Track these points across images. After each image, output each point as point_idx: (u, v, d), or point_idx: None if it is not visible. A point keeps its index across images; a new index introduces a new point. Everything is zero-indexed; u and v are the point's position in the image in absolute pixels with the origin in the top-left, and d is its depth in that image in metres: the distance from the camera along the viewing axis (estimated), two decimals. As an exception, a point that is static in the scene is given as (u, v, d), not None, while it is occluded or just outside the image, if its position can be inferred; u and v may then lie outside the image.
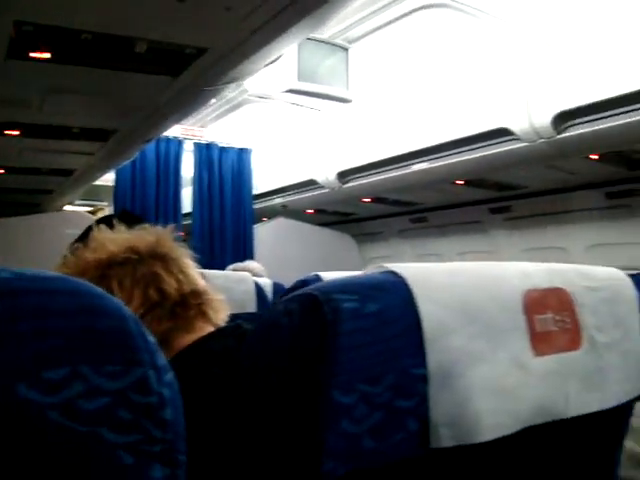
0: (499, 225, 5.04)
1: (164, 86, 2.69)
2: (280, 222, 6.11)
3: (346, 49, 3.96)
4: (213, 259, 5.49)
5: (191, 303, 1.15)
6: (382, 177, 4.48)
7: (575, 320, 0.70)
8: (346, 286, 0.56)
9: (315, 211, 6.00)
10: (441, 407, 0.56)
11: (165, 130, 3.92)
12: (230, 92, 4.65)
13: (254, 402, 0.57)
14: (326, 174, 4.96)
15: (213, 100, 4.67)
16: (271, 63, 2.73)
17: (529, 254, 4.87)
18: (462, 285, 0.62)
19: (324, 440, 0.52)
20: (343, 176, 4.85)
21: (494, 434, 0.59)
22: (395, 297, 0.57)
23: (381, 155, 4.31)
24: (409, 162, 4.13)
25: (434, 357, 0.56)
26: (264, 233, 6.05)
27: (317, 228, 6.20)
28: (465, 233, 5.39)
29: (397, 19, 3.57)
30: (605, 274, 0.79)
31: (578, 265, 0.77)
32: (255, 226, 6.07)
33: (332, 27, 3.75)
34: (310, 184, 5.27)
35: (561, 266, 0.74)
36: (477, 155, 3.68)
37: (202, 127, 5.91)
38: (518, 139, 3.42)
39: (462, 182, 4.29)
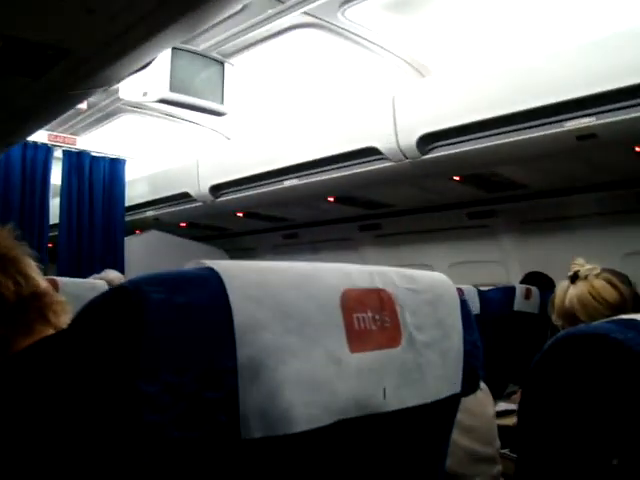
0: (369, 242, 5.18)
1: (24, 88, 2.58)
2: (152, 235, 6.00)
3: (222, 62, 3.95)
4: (80, 270, 5.29)
5: (31, 306, 1.11)
6: (255, 192, 4.50)
7: (395, 319, 0.73)
8: (156, 279, 0.56)
9: (188, 224, 5.93)
10: (251, 399, 0.57)
11: (28, 135, 3.76)
12: (103, 100, 4.52)
13: (72, 390, 0.56)
14: (199, 187, 4.92)
15: (84, 107, 4.53)
16: (140, 70, 2.69)
17: (397, 271, 5.02)
18: (277, 283, 0.63)
19: (127, 428, 0.52)
20: (216, 190, 4.83)
21: (306, 425, 0.61)
22: (206, 290, 0.58)
23: (254, 170, 4.32)
24: (281, 178, 4.17)
25: (244, 351, 0.57)
26: (136, 245, 5.91)
27: (190, 242, 6.13)
28: (336, 249, 5.50)
29: (272, 36, 3.61)
30: (429, 278, 0.82)
31: (403, 269, 0.81)
32: (126, 238, 5.91)
33: (208, 40, 3.75)
34: (183, 197, 5.21)
35: (385, 269, 0.77)
36: (347, 173, 3.77)
37: (74, 135, 5.70)
38: (386, 159, 3.53)
39: (332, 199, 4.37)
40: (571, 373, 0.95)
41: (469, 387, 0.86)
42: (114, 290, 0.56)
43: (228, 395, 0.56)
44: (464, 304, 0.85)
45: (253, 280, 0.61)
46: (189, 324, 0.55)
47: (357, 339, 0.68)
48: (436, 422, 0.85)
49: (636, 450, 0.92)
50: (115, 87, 3.54)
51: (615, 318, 1.01)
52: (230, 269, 0.61)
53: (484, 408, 1.51)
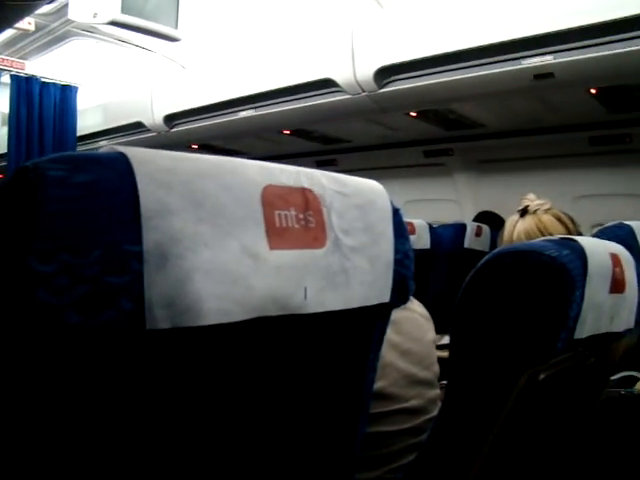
0: (325, 178, 5.16)
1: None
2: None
3: (177, -16, 3.81)
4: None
5: None
6: (210, 123, 4.40)
7: (321, 220, 0.71)
8: (60, 157, 0.53)
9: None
10: (157, 287, 0.54)
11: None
12: (52, 22, 4.34)
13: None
14: (153, 117, 4.80)
15: (32, 28, 4.35)
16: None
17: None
18: (190, 170, 0.59)
19: (22, 310, 0.49)
20: (170, 120, 4.71)
21: (217, 319, 0.58)
22: (111, 171, 0.54)
23: (209, 100, 4.22)
24: (236, 109, 4.08)
25: (151, 236, 0.54)
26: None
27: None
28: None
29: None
30: (361, 183, 0.80)
31: (333, 173, 0.78)
32: (77, 169, 5.76)
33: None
34: (137, 127, 5.08)
35: (312, 170, 0.74)
36: (303, 105, 3.71)
37: (23, 60, 5.48)
38: (343, 91, 3.48)
39: (288, 132, 4.31)
40: (503, 290, 0.95)
41: (399, 297, 0.84)
42: (15, 170, 0.53)
43: (133, 281, 0.54)
44: (397, 213, 0.83)
45: (164, 166, 0.58)
46: (91, 203, 0.52)
47: (277, 236, 0.65)
48: (362, 331, 0.84)
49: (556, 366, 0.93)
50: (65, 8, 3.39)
51: (551, 237, 1.01)
52: (140, 153, 0.57)
53: (424, 333, 1.52)
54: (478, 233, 3.61)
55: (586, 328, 1.00)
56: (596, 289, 1.00)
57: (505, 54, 2.92)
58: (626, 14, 2.56)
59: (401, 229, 0.84)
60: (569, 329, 0.94)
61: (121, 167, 0.55)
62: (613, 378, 1.65)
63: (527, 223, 2.14)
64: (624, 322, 1.18)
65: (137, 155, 0.57)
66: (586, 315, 0.98)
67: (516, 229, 2.16)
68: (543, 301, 0.92)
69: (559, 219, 2.13)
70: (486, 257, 0.98)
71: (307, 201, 0.70)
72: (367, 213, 0.78)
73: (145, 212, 0.54)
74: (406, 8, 3.26)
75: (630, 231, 2.23)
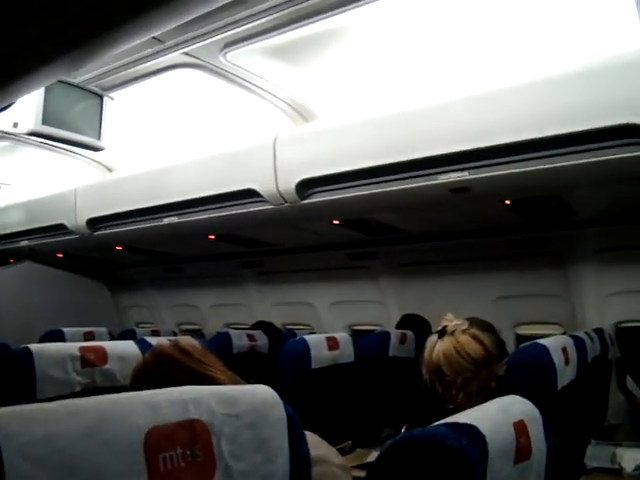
0: (252, 279, 5.15)
1: None
2: (27, 267, 5.72)
3: (100, 96, 3.82)
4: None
5: None
6: (134, 227, 4.36)
7: (209, 452, 0.70)
8: None
9: (65, 256, 5.69)
10: None
11: None
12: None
13: None
14: (76, 220, 4.73)
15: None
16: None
17: (279, 308, 5.02)
18: (64, 434, 0.57)
19: None
20: (94, 223, 4.65)
21: None
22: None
23: (133, 205, 4.20)
24: (160, 215, 4.07)
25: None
26: (7, 278, 5.62)
27: (68, 275, 5.90)
28: (220, 285, 5.43)
29: (153, 73, 3.52)
30: (252, 398, 0.79)
31: (223, 389, 0.77)
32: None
33: (85, 73, 3.62)
34: (60, 228, 4.98)
35: (201, 393, 0.73)
36: (227, 213, 3.72)
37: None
38: (266, 201, 3.52)
39: (213, 237, 4.31)
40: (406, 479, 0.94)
41: (297, 505, 0.83)
42: None
43: None
44: (292, 419, 0.82)
45: (37, 435, 0.56)
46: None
47: (161, 483, 0.63)
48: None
49: None
50: (-15, 114, 3.35)
51: (452, 422, 1.01)
52: (13, 424, 0.55)
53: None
54: (402, 340, 3.63)
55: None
56: (499, 469, 1.01)
57: (422, 169, 3.02)
58: (529, 137, 2.71)
59: (297, 436, 0.83)
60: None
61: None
62: None
63: (445, 344, 2.17)
64: None
65: (7, 428, 0.55)
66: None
67: (435, 350, 2.19)
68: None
69: (476, 338, 2.17)
70: (390, 442, 0.98)
71: (195, 434, 0.69)
72: (260, 430, 0.77)
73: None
74: (327, 123, 3.37)
75: (544, 350, 2.30)
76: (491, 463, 0.98)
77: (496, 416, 1.11)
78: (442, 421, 1.02)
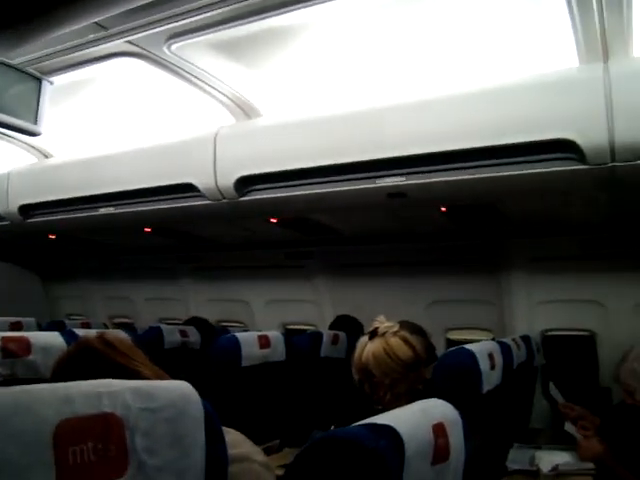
0: (188, 274, 5.10)
1: None
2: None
3: (39, 79, 3.72)
4: None
5: None
6: (68, 216, 4.26)
7: (122, 446, 0.69)
8: None
9: (-6, 243, 5.53)
10: None
11: None
12: None
13: None
14: (8, 205, 4.59)
15: None
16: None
17: (214, 305, 4.99)
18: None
19: None
20: (26, 210, 4.52)
21: None
22: None
23: (68, 194, 4.11)
24: (96, 205, 3.99)
25: None
26: None
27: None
28: (155, 279, 5.36)
29: (95, 60, 3.45)
30: (171, 393, 0.78)
31: (140, 383, 0.76)
32: None
33: (24, 55, 3.52)
34: (-11, 214, 4.83)
35: (117, 386, 0.72)
36: (164, 206, 3.68)
37: None
38: (203, 196, 3.49)
39: (149, 230, 4.25)
40: (324, 479, 0.95)
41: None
42: None
43: None
44: (209, 416, 0.82)
45: None
46: None
47: (69, 477, 0.62)
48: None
49: None
50: None
51: (370, 423, 1.03)
52: None
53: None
54: (335, 341, 3.65)
55: (406, 509, 1.02)
56: (416, 470, 1.03)
57: (361, 173, 3.05)
58: (466, 146, 2.77)
59: (215, 433, 0.83)
60: (387, 516, 0.96)
61: None
62: None
63: (375, 346, 2.19)
64: None
65: None
66: (405, 497, 1.00)
67: (365, 351, 2.21)
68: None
69: (406, 341, 2.20)
70: (309, 442, 0.99)
71: (108, 427, 0.68)
72: (177, 426, 0.76)
73: None
74: (268, 121, 3.36)
75: (471, 355, 2.35)
76: (408, 464, 0.99)
77: (416, 418, 1.13)
78: (362, 422, 1.03)
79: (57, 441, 0.62)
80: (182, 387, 0.81)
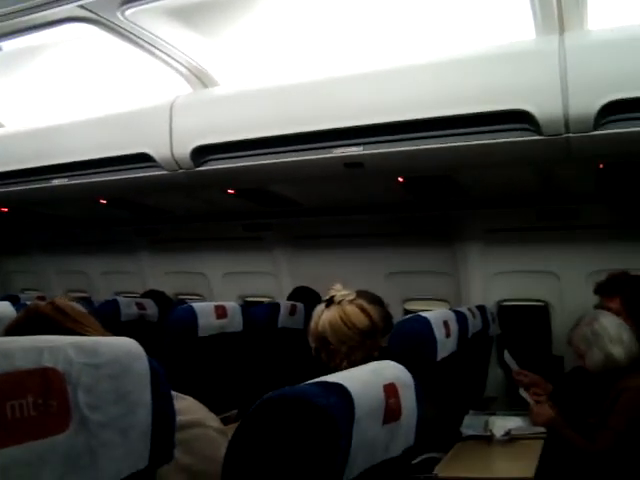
0: (145, 247, 5.04)
1: None
2: None
3: (-12, 45, 3.62)
4: None
5: None
6: (20, 188, 4.16)
7: (64, 401, 0.68)
8: None
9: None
10: None
11: None
12: None
13: None
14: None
15: None
16: None
17: (172, 277, 4.95)
18: None
19: None
20: (-26, 181, 4.41)
21: None
22: None
23: (19, 165, 4.01)
24: (49, 176, 3.91)
25: None
26: None
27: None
28: (111, 252, 5.29)
29: (45, 25, 3.35)
30: (115, 349, 0.77)
31: (84, 339, 0.75)
32: None
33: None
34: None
35: (59, 342, 0.71)
36: (119, 177, 3.62)
37: None
38: (159, 166, 3.44)
39: (104, 202, 4.19)
40: (273, 437, 0.95)
41: (159, 459, 0.82)
42: None
43: None
44: (155, 373, 0.81)
45: None
46: None
47: (7, 432, 0.61)
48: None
49: None
50: None
51: (320, 381, 1.03)
52: None
53: (217, 450, 1.48)
54: (292, 312, 3.65)
55: (357, 467, 1.03)
56: (366, 428, 1.03)
57: (318, 142, 3.04)
58: (423, 116, 2.77)
59: (161, 389, 0.82)
60: (337, 474, 0.96)
61: None
62: (414, 462, 1.71)
63: (331, 314, 2.20)
64: (401, 445, 1.22)
65: None
66: (356, 455, 1.01)
67: (321, 319, 2.21)
68: (310, 450, 0.93)
69: (362, 309, 2.21)
70: (258, 402, 0.99)
71: (48, 382, 0.66)
72: (121, 382, 0.75)
73: None
74: (225, 90, 3.33)
75: (426, 323, 2.37)
76: (358, 422, 1.00)
77: (366, 377, 1.13)
78: (312, 380, 1.03)
79: (-4, 393, 0.60)
80: (127, 344, 0.80)
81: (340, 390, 0.99)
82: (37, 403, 0.64)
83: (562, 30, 2.58)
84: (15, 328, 1.36)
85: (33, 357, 0.66)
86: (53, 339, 0.71)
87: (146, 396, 0.79)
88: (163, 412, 0.82)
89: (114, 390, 0.74)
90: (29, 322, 1.36)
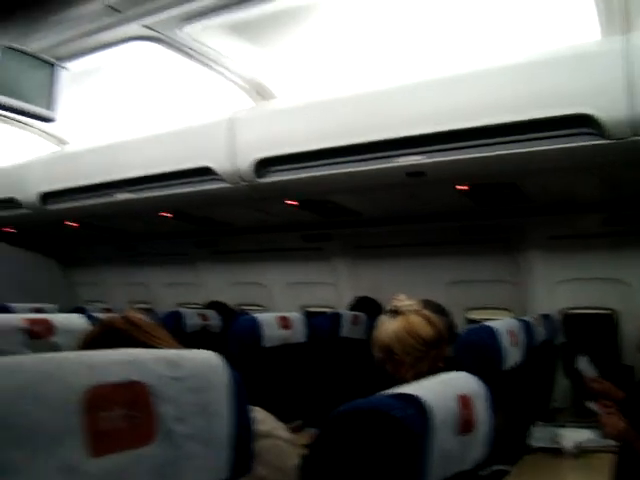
0: (205, 258, 5.12)
1: None
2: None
3: (52, 65, 3.73)
4: None
5: None
6: (87, 203, 4.29)
7: (149, 414, 0.69)
8: None
9: (16, 230, 5.57)
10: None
11: None
12: None
13: None
14: (27, 193, 4.63)
15: None
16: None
17: (232, 288, 5.01)
18: (2, 389, 0.56)
19: None
20: (46, 197, 4.56)
21: None
22: None
23: (86, 180, 4.13)
24: (114, 190, 4.02)
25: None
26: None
27: (18, 250, 5.79)
28: (173, 264, 5.39)
29: (109, 45, 3.44)
30: (197, 362, 0.78)
31: (167, 352, 0.77)
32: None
33: (38, 41, 3.53)
34: (9, 202, 4.87)
35: (144, 356, 0.72)
36: (182, 191, 3.69)
37: None
38: (221, 179, 3.49)
39: (168, 215, 4.27)
40: (350, 450, 0.95)
41: (239, 470, 0.83)
42: None
43: None
44: (236, 384, 0.82)
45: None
46: None
47: (100, 442, 0.63)
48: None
49: None
50: None
51: (398, 392, 1.02)
52: None
53: (286, 461, 1.49)
54: (354, 322, 3.65)
55: (434, 477, 1.02)
56: (442, 440, 1.02)
57: (380, 152, 3.03)
58: (486, 123, 2.74)
59: (240, 402, 0.83)
60: (416, 484, 0.96)
61: None
62: (483, 474, 1.68)
63: (396, 324, 2.18)
64: (475, 457, 1.21)
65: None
66: (432, 467, 1.00)
67: (386, 329, 2.20)
68: (388, 463, 0.93)
69: (427, 319, 2.18)
70: (335, 412, 0.99)
71: (135, 395, 0.68)
72: (203, 394, 0.77)
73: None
74: (287, 102, 3.36)
75: (492, 332, 2.34)
76: (435, 433, 0.99)
77: (439, 388, 1.12)
78: (385, 392, 1.03)
79: (85, 407, 0.62)
80: (207, 356, 0.81)
81: (415, 401, 0.99)
82: (125, 415, 0.66)
83: (627, 30, 2.52)
84: (92, 341, 1.39)
85: (120, 371, 0.68)
86: (137, 352, 0.73)
87: (227, 407, 0.80)
88: (243, 423, 0.83)
89: (197, 402, 0.75)
90: (105, 336, 1.39)
